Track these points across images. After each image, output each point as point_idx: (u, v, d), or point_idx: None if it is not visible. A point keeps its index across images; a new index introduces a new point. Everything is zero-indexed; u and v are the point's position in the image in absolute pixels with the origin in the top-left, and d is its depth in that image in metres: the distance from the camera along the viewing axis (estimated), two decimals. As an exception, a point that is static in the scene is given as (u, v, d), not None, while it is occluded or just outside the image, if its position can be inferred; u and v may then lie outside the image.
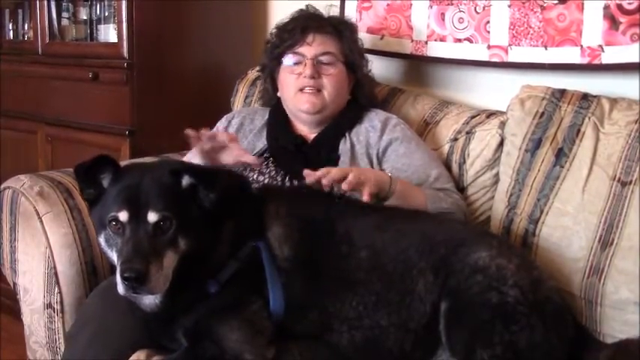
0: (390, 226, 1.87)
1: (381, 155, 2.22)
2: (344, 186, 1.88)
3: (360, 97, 2.37)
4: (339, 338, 1.77)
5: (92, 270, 2.15)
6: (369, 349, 1.77)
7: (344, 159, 2.20)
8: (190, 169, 1.71)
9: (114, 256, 1.64)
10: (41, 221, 2.17)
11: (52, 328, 2.14)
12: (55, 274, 2.14)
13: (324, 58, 2.26)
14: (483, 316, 1.69)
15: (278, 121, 2.34)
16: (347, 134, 2.25)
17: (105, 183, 1.70)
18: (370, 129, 2.26)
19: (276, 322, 1.73)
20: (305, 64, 2.24)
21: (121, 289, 1.58)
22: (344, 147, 2.23)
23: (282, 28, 2.34)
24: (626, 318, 1.90)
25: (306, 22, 2.29)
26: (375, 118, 2.29)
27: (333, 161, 2.20)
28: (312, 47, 2.26)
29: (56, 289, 2.13)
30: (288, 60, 2.29)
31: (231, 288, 1.71)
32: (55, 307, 2.13)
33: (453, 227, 1.95)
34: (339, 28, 2.33)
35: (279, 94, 2.36)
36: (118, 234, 1.63)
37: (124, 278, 1.55)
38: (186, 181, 1.67)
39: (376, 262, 1.78)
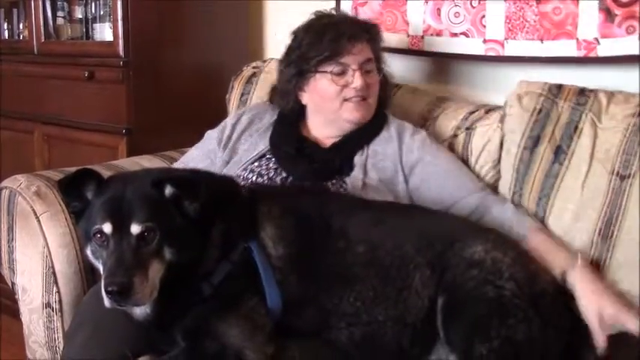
0: (385, 221, 1.87)
1: (408, 173, 2.15)
2: None
3: (384, 101, 2.31)
4: (338, 334, 1.77)
5: (90, 269, 2.14)
6: (368, 344, 1.77)
7: (357, 171, 2.14)
8: (172, 178, 1.70)
9: (100, 267, 1.65)
10: (39, 221, 2.17)
11: (51, 327, 2.14)
12: (54, 273, 2.14)
13: (367, 67, 2.19)
14: (480, 311, 1.69)
15: (287, 122, 2.29)
16: (365, 146, 2.19)
17: (89, 195, 1.70)
18: (388, 138, 2.20)
19: (275, 319, 1.73)
20: (352, 74, 2.15)
21: (106, 302, 1.58)
22: (359, 159, 2.17)
23: (315, 35, 2.19)
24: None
25: (343, 29, 2.18)
26: (391, 126, 2.23)
27: (347, 171, 2.15)
28: (356, 56, 2.16)
29: (54, 288, 2.13)
30: (330, 69, 2.15)
31: (226, 289, 1.71)
32: (54, 306, 2.13)
33: (449, 222, 1.95)
34: (372, 32, 2.25)
35: (304, 99, 2.26)
36: (102, 246, 1.63)
37: (107, 292, 1.56)
38: (168, 190, 1.67)
39: (373, 257, 1.78)
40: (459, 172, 2.19)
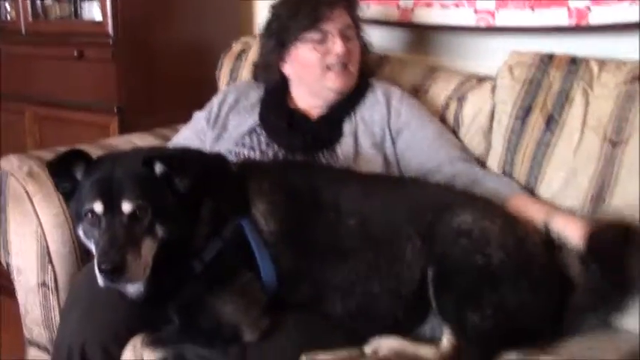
0: (377, 193, 1.88)
1: (395, 135, 2.18)
2: None
3: (364, 67, 2.31)
4: (333, 307, 1.78)
5: (85, 248, 2.14)
6: (363, 316, 1.78)
7: (348, 139, 2.16)
8: (162, 156, 1.70)
9: (92, 247, 1.65)
10: (32, 202, 2.17)
11: (48, 306, 2.15)
12: (48, 253, 2.14)
13: (347, 33, 2.19)
14: (470, 280, 1.71)
15: (274, 96, 2.30)
16: (352, 114, 2.21)
17: (79, 176, 1.70)
18: (375, 102, 2.22)
19: (269, 294, 1.74)
20: (333, 41, 2.15)
21: (100, 281, 1.58)
22: (349, 127, 2.18)
23: (294, 6, 2.20)
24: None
25: None
26: (377, 90, 2.24)
27: (337, 140, 2.16)
28: (335, 22, 2.16)
29: (49, 267, 2.13)
30: (311, 36, 2.16)
31: (219, 265, 1.71)
32: (50, 285, 2.14)
33: (439, 192, 1.96)
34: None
35: (286, 70, 2.27)
36: (94, 226, 1.63)
37: (100, 270, 1.56)
38: (159, 168, 1.67)
39: (365, 230, 1.79)
40: (445, 139, 2.20)
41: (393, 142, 2.18)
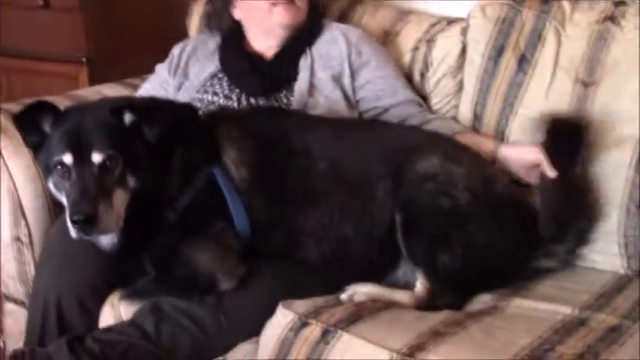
0: (347, 136, 1.88)
1: (355, 71, 2.18)
2: None
3: (316, 5, 2.31)
4: (308, 253, 1.80)
5: (57, 201, 2.12)
6: (338, 261, 1.80)
7: (304, 74, 2.16)
8: (131, 105, 1.69)
9: (64, 200, 1.64)
10: (1, 155, 2.13)
11: (22, 260, 2.13)
12: (21, 207, 2.12)
13: None
14: (438, 222, 1.73)
15: (231, 41, 2.29)
16: (307, 50, 2.21)
17: (46, 128, 1.68)
18: (331, 41, 2.22)
19: (244, 242, 1.74)
20: None
21: (72, 232, 1.58)
22: (304, 63, 2.19)
23: None
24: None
25: None
26: (334, 30, 2.25)
27: (294, 77, 2.16)
28: None
29: (22, 222, 2.11)
30: None
31: (192, 214, 1.71)
32: (23, 239, 2.12)
33: (409, 134, 1.97)
34: None
35: (236, 15, 2.29)
36: (64, 178, 1.62)
37: (73, 222, 1.56)
38: (128, 118, 1.66)
39: (337, 172, 1.80)
40: (402, 81, 2.22)
41: (353, 79, 2.18)
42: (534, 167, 1.91)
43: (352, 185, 1.79)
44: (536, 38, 2.08)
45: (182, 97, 2.21)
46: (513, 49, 2.11)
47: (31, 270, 2.13)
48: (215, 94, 2.19)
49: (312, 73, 2.16)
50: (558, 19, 2.07)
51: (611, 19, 1.99)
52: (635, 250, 1.87)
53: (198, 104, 2.15)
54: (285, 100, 2.13)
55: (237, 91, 2.17)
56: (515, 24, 2.12)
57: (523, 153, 1.94)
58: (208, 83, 2.22)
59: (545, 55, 2.06)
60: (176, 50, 2.37)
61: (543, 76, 2.04)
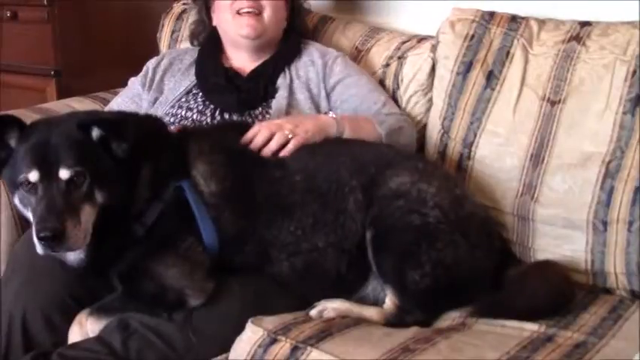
0: (321, 149, 1.90)
1: (329, 91, 2.20)
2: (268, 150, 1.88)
3: (297, 26, 2.32)
4: (280, 267, 1.79)
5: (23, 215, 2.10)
6: (309, 274, 1.80)
7: (282, 92, 2.17)
8: (99, 120, 1.67)
9: (30, 215, 1.62)
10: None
11: (-13, 275, 2.10)
12: (-15, 221, 2.09)
13: None
14: (408, 239, 1.73)
15: (208, 55, 2.28)
16: (286, 69, 2.21)
17: (12, 143, 1.65)
18: (309, 63, 2.23)
19: (213, 256, 1.73)
20: None
21: (39, 249, 1.56)
22: (283, 81, 2.19)
23: None
24: (558, 233, 1.96)
25: None
26: (314, 52, 2.25)
27: (271, 95, 2.16)
28: None
29: (-13, 236, 2.08)
30: None
31: (160, 229, 1.70)
32: (-12, 254, 2.09)
33: (381, 150, 1.97)
34: None
35: (214, 23, 2.29)
36: (31, 193, 1.60)
37: (39, 238, 1.53)
38: (96, 133, 1.64)
39: (310, 184, 1.81)
40: (379, 92, 2.22)
41: (328, 99, 2.19)
42: None
43: (325, 197, 1.80)
44: (504, 55, 2.11)
45: (157, 111, 2.19)
46: (481, 65, 2.13)
47: (-5, 285, 2.09)
48: (189, 109, 2.18)
49: (290, 93, 2.17)
50: (526, 37, 2.10)
51: (577, 39, 2.02)
52: (601, 267, 1.89)
53: (172, 119, 2.14)
54: (261, 118, 2.13)
55: (212, 107, 2.17)
56: (483, 41, 2.15)
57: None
58: (183, 99, 2.21)
59: (513, 72, 2.09)
60: (151, 64, 2.36)
61: (510, 93, 2.07)
